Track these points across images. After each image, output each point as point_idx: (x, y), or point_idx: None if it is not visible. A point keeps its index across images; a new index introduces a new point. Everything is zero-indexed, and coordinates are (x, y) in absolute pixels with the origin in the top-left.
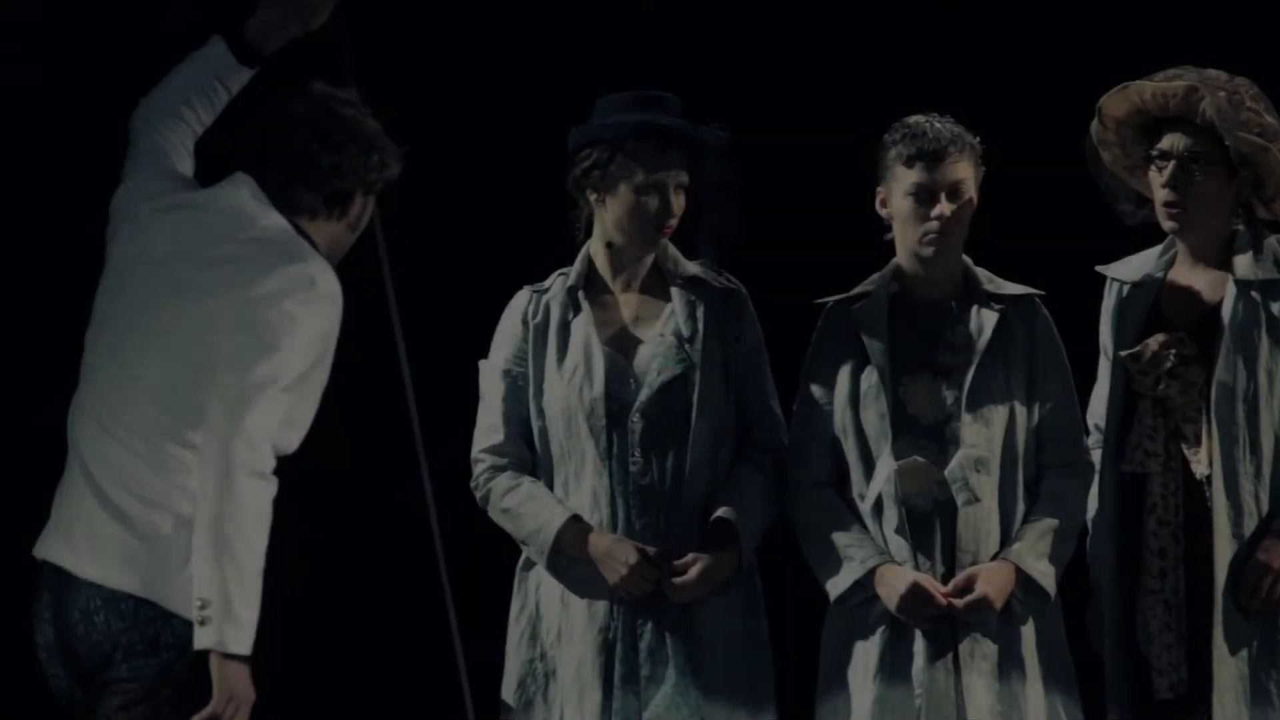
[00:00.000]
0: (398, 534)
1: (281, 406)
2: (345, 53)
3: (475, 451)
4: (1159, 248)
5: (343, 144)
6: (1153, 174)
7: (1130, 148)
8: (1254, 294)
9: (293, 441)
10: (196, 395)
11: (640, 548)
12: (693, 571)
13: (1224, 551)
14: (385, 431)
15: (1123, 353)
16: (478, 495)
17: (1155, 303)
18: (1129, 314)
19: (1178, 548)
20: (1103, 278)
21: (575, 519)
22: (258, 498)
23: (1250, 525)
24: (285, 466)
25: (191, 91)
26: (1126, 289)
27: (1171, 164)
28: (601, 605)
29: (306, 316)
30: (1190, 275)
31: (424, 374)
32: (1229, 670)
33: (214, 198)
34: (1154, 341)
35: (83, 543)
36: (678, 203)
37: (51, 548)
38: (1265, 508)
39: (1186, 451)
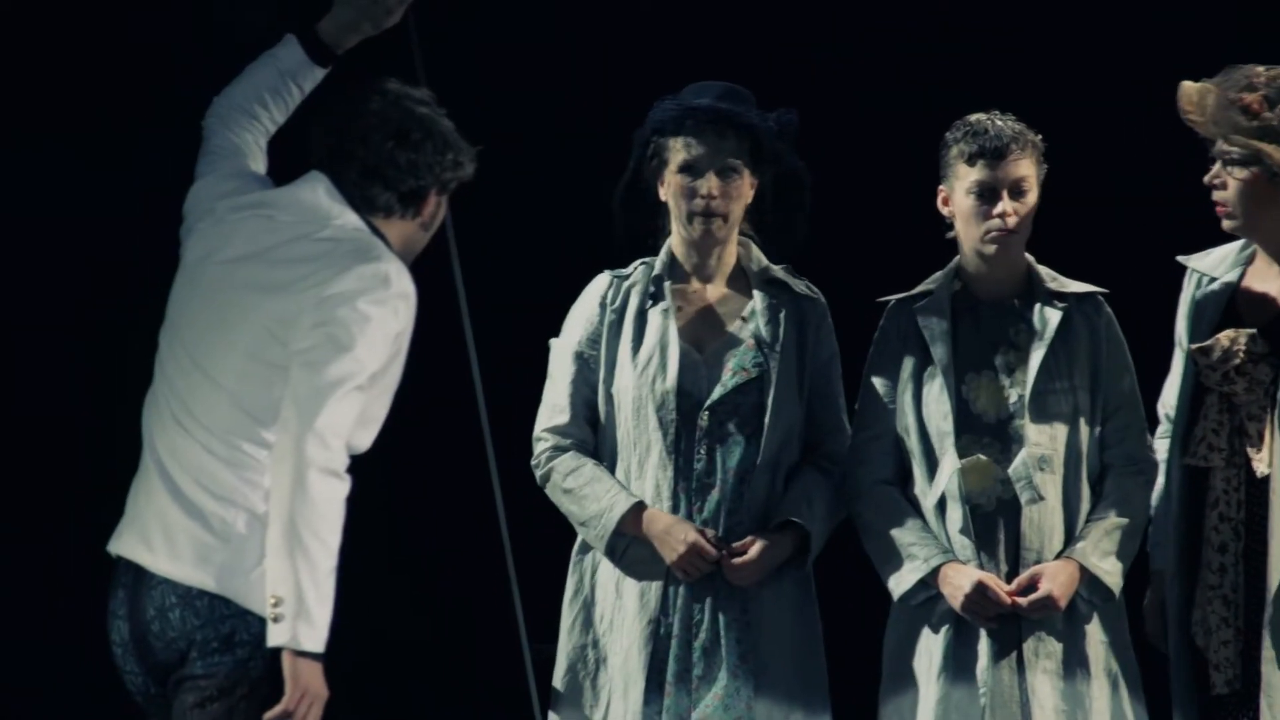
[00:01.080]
0: (465, 522)
1: (356, 404)
2: (417, 51)
3: (538, 430)
4: (1240, 243)
5: (419, 142)
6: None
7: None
8: None
9: (366, 439)
10: (270, 394)
11: (699, 529)
12: (752, 551)
13: (1278, 553)
14: (454, 420)
15: (1192, 346)
16: (538, 474)
17: (1231, 299)
18: (1204, 308)
19: (1238, 544)
20: (1176, 273)
21: (640, 505)
22: (331, 495)
23: None
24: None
25: (265, 90)
26: (1205, 281)
27: (1215, 165)
28: (654, 596)
29: (380, 316)
30: (1266, 274)
31: (491, 364)
32: (1277, 671)
33: (289, 196)
34: (1224, 337)
35: (158, 539)
36: (717, 185)
37: (126, 544)
38: None
39: (1249, 449)
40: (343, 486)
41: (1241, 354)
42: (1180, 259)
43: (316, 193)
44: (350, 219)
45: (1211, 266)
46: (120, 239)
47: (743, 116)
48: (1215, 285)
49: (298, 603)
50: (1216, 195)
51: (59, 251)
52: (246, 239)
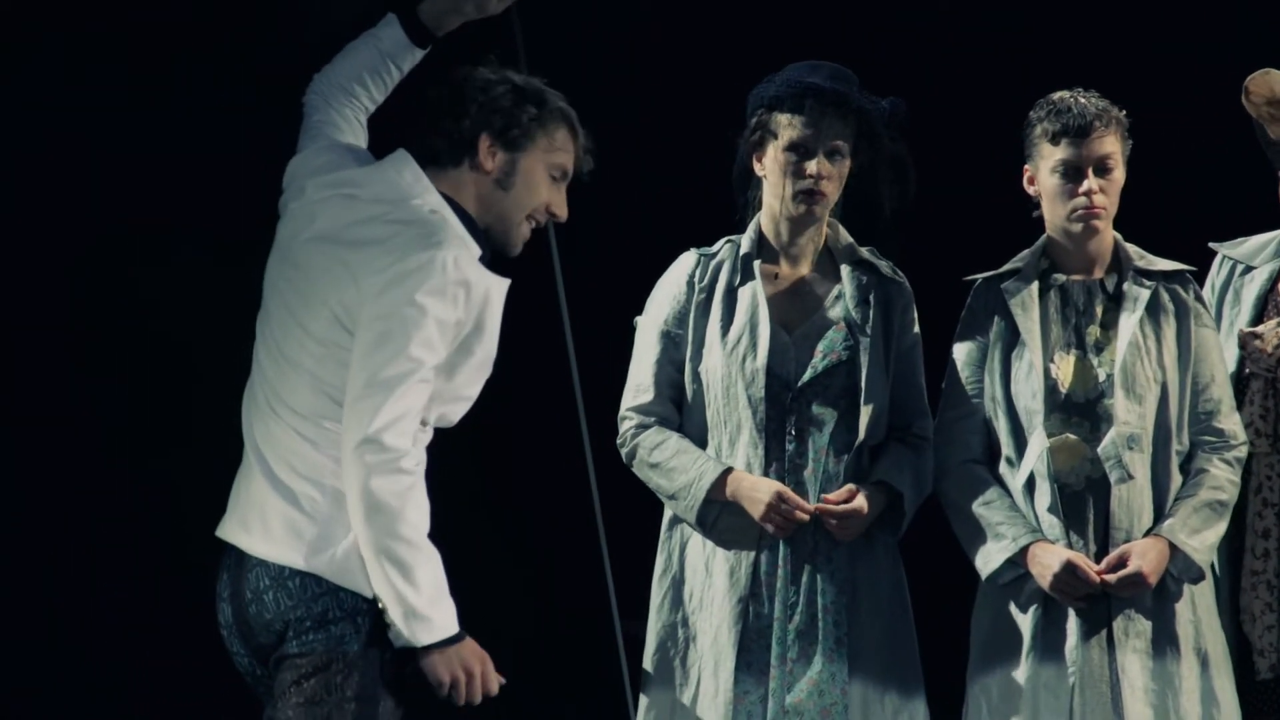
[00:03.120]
0: (557, 500)
1: (421, 394)
2: (520, 38)
3: (623, 409)
4: (1278, 232)
5: (460, 86)
6: None
7: None
8: None
9: (456, 415)
10: (348, 374)
11: (783, 487)
12: (859, 500)
13: None
14: (545, 400)
15: (1244, 330)
16: (623, 451)
17: (1273, 287)
18: (1244, 295)
19: None
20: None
21: (729, 470)
22: (397, 491)
23: None
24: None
25: (364, 69)
26: (1240, 269)
27: None
28: (744, 574)
29: (438, 306)
30: None
31: (586, 343)
32: None
33: (375, 175)
34: (1276, 323)
35: (254, 522)
36: (824, 167)
37: (228, 528)
38: None
39: None
40: (408, 478)
41: None
42: (1213, 245)
43: (401, 171)
44: (431, 199)
45: (1248, 255)
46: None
47: (860, 100)
48: (1256, 274)
49: (399, 603)
50: None
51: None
52: (327, 219)
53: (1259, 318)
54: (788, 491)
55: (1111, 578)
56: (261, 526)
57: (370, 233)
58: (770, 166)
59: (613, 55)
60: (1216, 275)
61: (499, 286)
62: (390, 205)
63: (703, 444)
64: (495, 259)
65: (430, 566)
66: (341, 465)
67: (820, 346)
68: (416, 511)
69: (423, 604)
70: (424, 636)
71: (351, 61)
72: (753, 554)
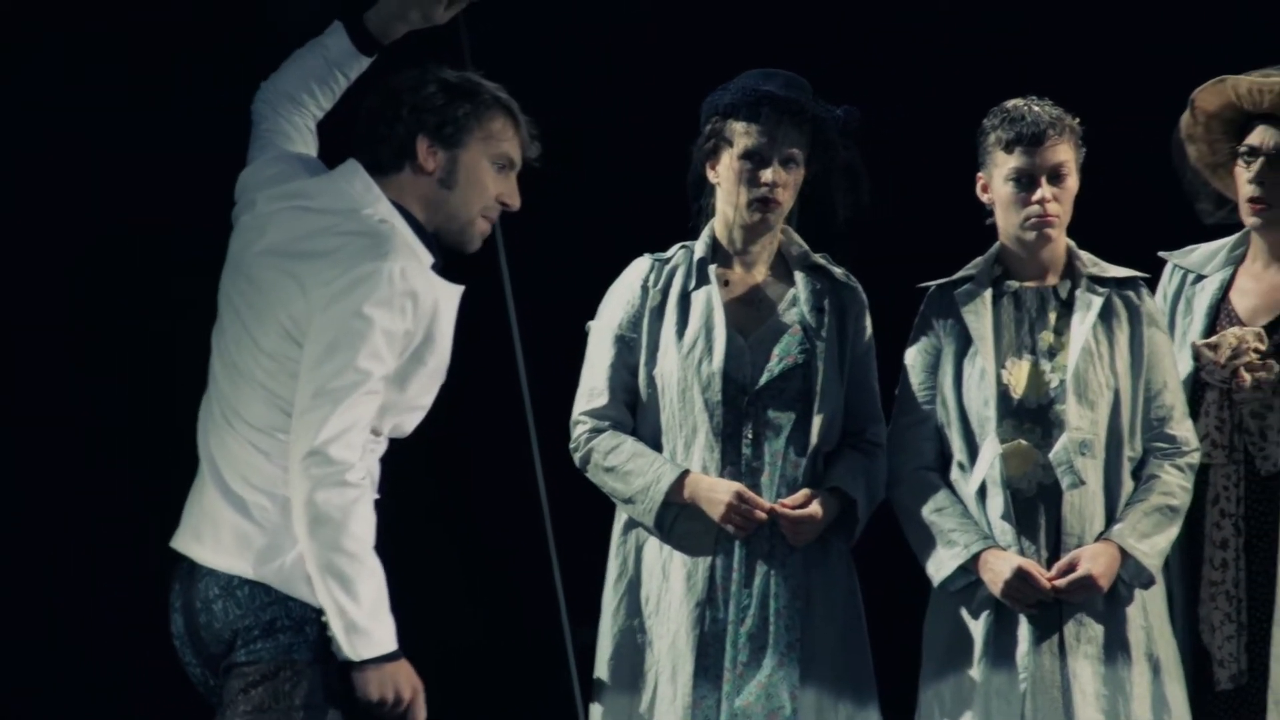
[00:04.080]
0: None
1: (369, 405)
2: (467, 45)
3: (576, 414)
4: (1228, 241)
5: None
6: (1239, 169)
7: (1217, 145)
8: None
9: (409, 425)
10: (295, 391)
11: (742, 487)
12: (814, 505)
13: None
14: (494, 407)
15: (1198, 342)
16: (576, 456)
17: (1224, 296)
18: (1195, 305)
19: (1239, 539)
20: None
21: (686, 472)
22: (342, 504)
23: None
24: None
25: (311, 77)
26: (1192, 278)
27: (1260, 160)
28: (701, 578)
29: (385, 318)
30: (1264, 273)
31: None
32: None
33: (325, 185)
34: (1231, 335)
35: (206, 532)
36: (779, 175)
37: (180, 539)
38: None
39: (1250, 445)
40: (354, 490)
41: (1251, 352)
42: (1163, 255)
43: (352, 181)
44: (381, 208)
45: (1198, 263)
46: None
47: (815, 108)
48: (1206, 283)
49: (340, 617)
50: (1254, 191)
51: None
52: (278, 232)
53: (1212, 327)
54: (747, 491)
55: (1061, 582)
56: (213, 537)
57: (319, 245)
58: (725, 174)
59: (562, 62)
60: (1168, 284)
61: (450, 295)
62: (340, 216)
63: (657, 448)
64: (449, 264)
65: (372, 581)
66: (289, 477)
67: (776, 350)
68: (361, 524)
69: (362, 617)
70: (362, 650)
71: (298, 70)
72: (709, 558)
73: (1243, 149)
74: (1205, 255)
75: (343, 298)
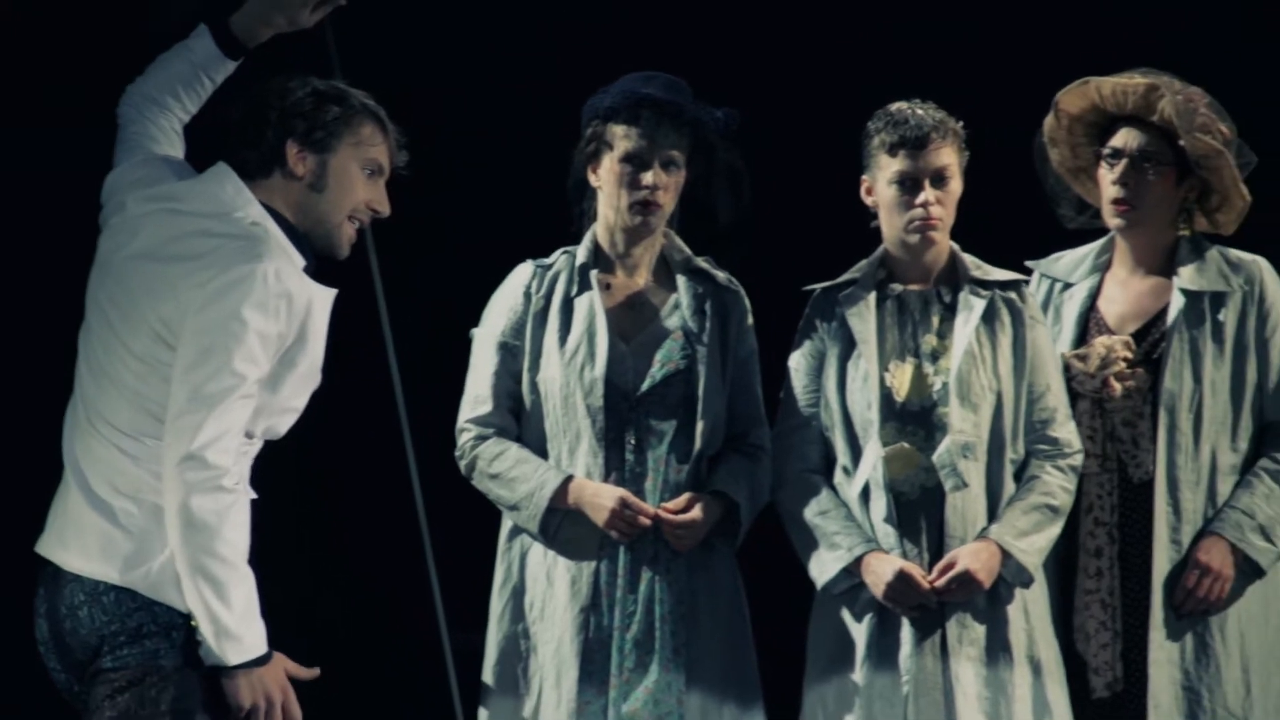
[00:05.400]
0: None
1: (243, 410)
2: (334, 49)
3: (461, 421)
4: (1093, 248)
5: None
6: (1103, 172)
7: (1080, 148)
8: (1201, 305)
9: (282, 427)
10: (169, 390)
11: (626, 492)
12: (696, 510)
13: (1162, 557)
14: (371, 408)
15: (1068, 353)
16: (462, 464)
17: (1093, 304)
18: (1064, 313)
19: (1113, 548)
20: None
21: (569, 478)
22: (217, 509)
23: (1189, 533)
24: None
25: (176, 81)
26: (1059, 287)
27: (1124, 161)
28: (585, 584)
29: (259, 321)
30: (1130, 279)
31: (409, 352)
32: (1164, 673)
33: (196, 188)
34: (1100, 344)
35: (71, 538)
36: (660, 177)
37: (45, 544)
38: (1204, 515)
39: (1123, 454)
40: (229, 495)
41: (1120, 361)
42: (1030, 264)
43: (222, 184)
44: (253, 211)
45: (1066, 271)
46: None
47: (695, 110)
48: (1074, 291)
49: (211, 622)
50: (1118, 193)
51: None
52: (149, 234)
53: (1082, 336)
54: (631, 497)
55: (940, 581)
56: (78, 542)
57: (191, 247)
58: (606, 177)
59: (432, 66)
60: (1036, 293)
61: (323, 297)
62: (212, 219)
63: (542, 454)
64: (321, 268)
65: (244, 586)
66: (162, 481)
67: (658, 356)
68: (235, 530)
69: (234, 623)
70: (233, 656)
71: (164, 73)
72: (594, 564)
73: (1106, 151)
74: (1071, 263)
75: (218, 300)
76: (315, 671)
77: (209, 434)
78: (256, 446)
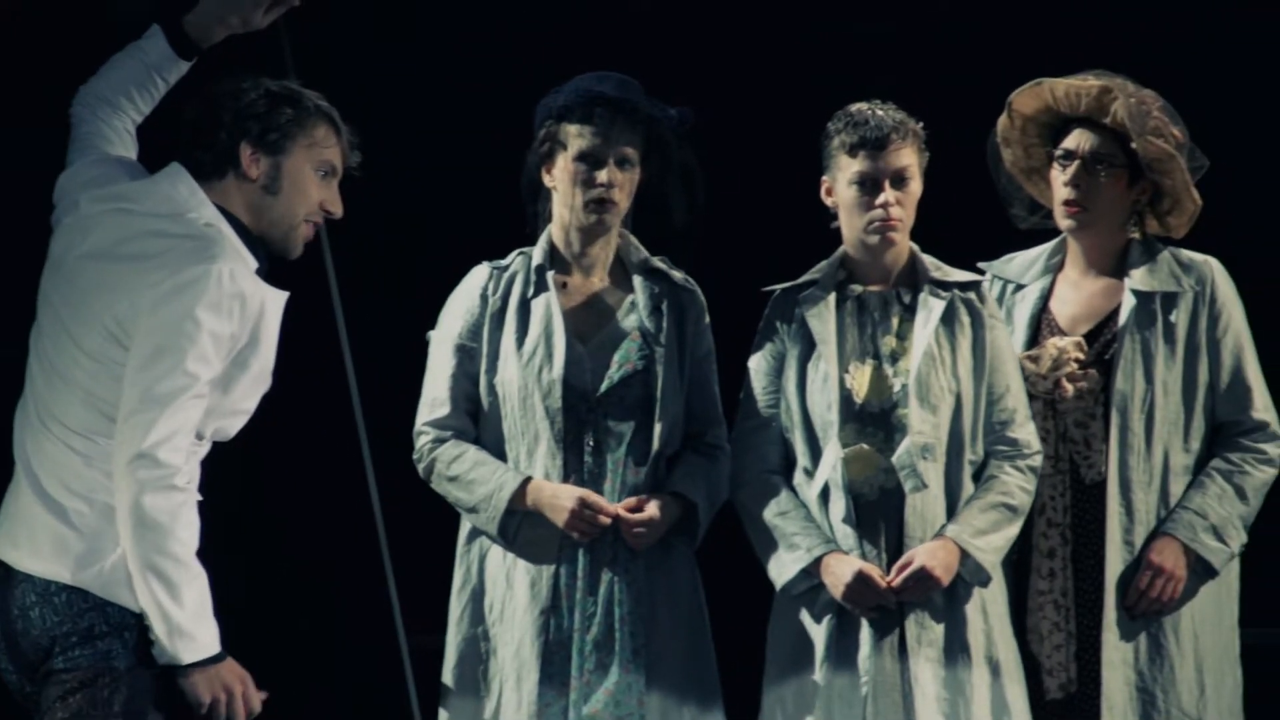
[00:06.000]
0: (340, 511)
1: (195, 410)
2: (288, 50)
3: (419, 424)
4: (1045, 249)
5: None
6: (1055, 172)
7: (1032, 149)
8: (1153, 306)
9: (233, 428)
10: (121, 390)
11: (586, 492)
12: (651, 508)
13: (1115, 558)
14: (327, 410)
15: (1021, 354)
16: (420, 467)
17: (1045, 306)
18: (1016, 315)
19: (1066, 549)
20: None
21: (528, 479)
22: (169, 508)
23: (1141, 534)
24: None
25: (129, 81)
26: (1011, 289)
27: (1076, 163)
28: (545, 586)
29: (212, 321)
30: (1081, 280)
31: (365, 354)
32: (1117, 674)
33: (149, 189)
34: (1053, 345)
35: (23, 537)
36: (615, 175)
37: None
38: (1157, 516)
39: (1075, 455)
40: (180, 495)
41: (1073, 362)
42: (983, 265)
43: (176, 184)
44: (206, 212)
45: (1018, 273)
46: None
47: (649, 109)
48: (1026, 292)
49: (164, 621)
50: (1070, 194)
51: None
52: (102, 234)
53: (1034, 337)
54: (591, 496)
55: (898, 580)
56: (30, 542)
57: (145, 247)
58: (560, 177)
59: (386, 67)
60: (988, 294)
61: (275, 299)
62: (165, 219)
63: (500, 456)
64: (277, 270)
65: (197, 585)
66: (114, 480)
67: (616, 357)
68: (187, 529)
69: (187, 621)
70: (187, 655)
71: (117, 73)
72: (554, 566)
73: (1059, 152)
74: (1024, 264)
75: (172, 300)
76: (263, 694)
77: (161, 433)
78: (205, 448)
